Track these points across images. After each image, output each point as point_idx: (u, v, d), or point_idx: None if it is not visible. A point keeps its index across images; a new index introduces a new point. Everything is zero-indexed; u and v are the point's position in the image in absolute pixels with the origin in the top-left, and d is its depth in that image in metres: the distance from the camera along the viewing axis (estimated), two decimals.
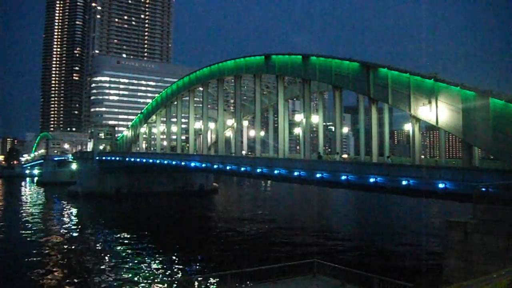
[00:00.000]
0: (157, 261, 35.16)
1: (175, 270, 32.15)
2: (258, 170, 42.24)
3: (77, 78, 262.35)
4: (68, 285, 28.65)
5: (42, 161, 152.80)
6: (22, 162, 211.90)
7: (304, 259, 19.78)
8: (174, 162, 62.53)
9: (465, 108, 26.56)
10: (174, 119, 74.91)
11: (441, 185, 25.63)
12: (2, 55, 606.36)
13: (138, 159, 74.88)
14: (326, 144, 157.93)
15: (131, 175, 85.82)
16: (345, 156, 54.77)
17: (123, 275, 30.61)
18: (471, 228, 18.74)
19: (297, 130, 62.80)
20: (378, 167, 31.79)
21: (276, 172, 39.86)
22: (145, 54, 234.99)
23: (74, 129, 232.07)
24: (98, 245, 42.41)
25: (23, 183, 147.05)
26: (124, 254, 38.29)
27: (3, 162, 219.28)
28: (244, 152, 62.05)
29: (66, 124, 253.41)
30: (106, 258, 36.59)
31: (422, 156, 38.41)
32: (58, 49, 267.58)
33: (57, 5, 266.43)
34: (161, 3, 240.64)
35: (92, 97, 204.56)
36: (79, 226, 55.12)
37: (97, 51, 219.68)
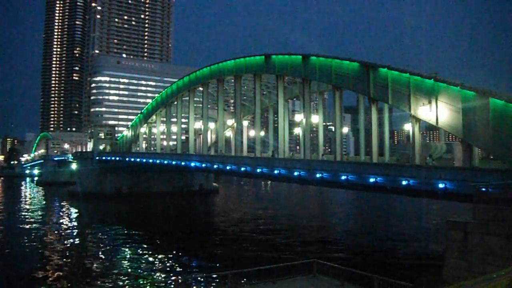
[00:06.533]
0: (157, 261, 35.15)
1: (175, 270, 32.15)
2: (258, 170, 42.23)
3: (77, 78, 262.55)
4: (68, 285, 28.65)
5: (42, 161, 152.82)
6: (22, 162, 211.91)
7: (304, 259, 19.77)
8: (174, 162, 62.50)
9: (465, 108, 26.55)
10: (174, 119, 74.87)
11: (441, 185, 25.61)
12: (2, 55, 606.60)
13: (138, 159, 74.84)
14: (326, 144, 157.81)
15: (131, 175, 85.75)
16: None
17: (123, 275, 30.61)
18: (471, 228, 18.75)
19: (297, 130, 62.78)
20: (378, 167, 31.77)
21: (276, 172, 39.85)
22: (145, 54, 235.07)
23: (74, 129, 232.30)
24: (98, 245, 42.40)
25: (23, 183, 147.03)
26: (124, 254, 38.30)
27: (3, 162, 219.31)
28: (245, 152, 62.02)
29: (66, 124, 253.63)
30: (106, 258, 36.58)
31: None
32: (58, 49, 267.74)
33: (57, 5, 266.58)
34: (161, 3, 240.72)
35: (92, 97, 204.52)
36: (79, 226, 55.15)
37: (97, 51, 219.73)
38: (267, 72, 48.78)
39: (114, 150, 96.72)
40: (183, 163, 59.79)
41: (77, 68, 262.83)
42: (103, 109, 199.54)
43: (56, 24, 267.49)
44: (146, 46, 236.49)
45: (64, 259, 35.82)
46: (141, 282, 28.80)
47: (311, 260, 19.40)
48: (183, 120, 72.99)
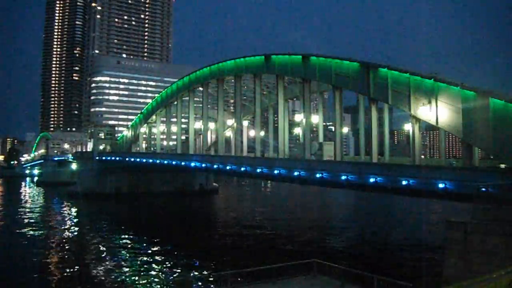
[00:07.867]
0: (157, 261, 35.14)
1: (175, 270, 32.13)
2: (258, 170, 42.25)
3: (77, 78, 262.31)
4: (68, 286, 28.65)
5: (42, 161, 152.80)
6: (22, 162, 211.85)
7: (304, 259, 19.75)
8: (174, 162, 62.51)
9: (465, 108, 26.55)
10: (174, 119, 74.84)
11: (441, 185, 25.62)
12: (2, 55, 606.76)
13: (138, 159, 74.84)
14: None
15: (131, 175, 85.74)
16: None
17: (123, 275, 30.61)
18: (471, 228, 18.75)
19: (297, 130, 62.76)
20: (378, 167, 31.77)
21: (276, 172, 39.86)
22: (145, 54, 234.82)
23: (74, 129, 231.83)
24: (98, 245, 42.38)
25: (23, 183, 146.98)
26: (124, 254, 38.28)
27: (3, 162, 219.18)
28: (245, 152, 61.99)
29: (66, 124, 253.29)
30: (106, 258, 36.57)
31: (422, 156, 38.46)
32: (58, 49, 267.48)
33: (57, 5, 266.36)
34: (161, 3, 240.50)
35: (92, 97, 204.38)
36: (79, 227, 55.11)
37: (97, 51, 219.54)
38: (267, 72, 48.76)
39: (114, 150, 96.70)
40: (183, 163, 59.78)
41: (77, 68, 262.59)
42: (103, 109, 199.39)
43: (56, 24, 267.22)
44: (146, 46, 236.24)
45: (64, 259, 35.82)
46: (141, 282, 28.80)
47: (311, 260, 19.39)
48: (183, 120, 72.96)
